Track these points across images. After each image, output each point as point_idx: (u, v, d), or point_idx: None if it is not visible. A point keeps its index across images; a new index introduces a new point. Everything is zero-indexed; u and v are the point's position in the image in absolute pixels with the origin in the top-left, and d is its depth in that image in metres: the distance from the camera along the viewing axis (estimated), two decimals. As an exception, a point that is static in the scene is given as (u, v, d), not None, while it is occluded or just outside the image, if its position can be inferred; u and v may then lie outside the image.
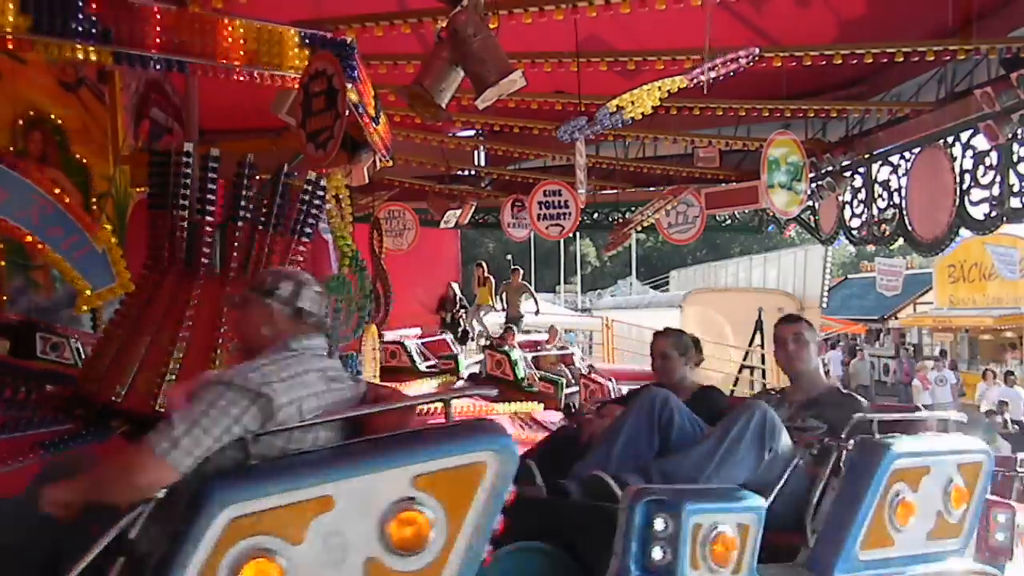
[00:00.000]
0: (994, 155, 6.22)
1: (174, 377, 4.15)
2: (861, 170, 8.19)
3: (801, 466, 2.84)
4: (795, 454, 2.86)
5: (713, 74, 4.59)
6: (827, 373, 19.84)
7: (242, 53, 3.94)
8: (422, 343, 9.73)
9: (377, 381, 5.76)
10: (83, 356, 4.90)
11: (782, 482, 2.72)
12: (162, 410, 3.17)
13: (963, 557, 3.02)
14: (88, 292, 4.52)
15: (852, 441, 2.82)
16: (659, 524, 2.36)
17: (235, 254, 4.37)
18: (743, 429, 2.81)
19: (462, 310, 13.54)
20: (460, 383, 8.28)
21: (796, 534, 2.77)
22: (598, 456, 2.96)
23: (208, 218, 4.32)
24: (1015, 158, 6.05)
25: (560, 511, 2.71)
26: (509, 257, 28.52)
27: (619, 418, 3.09)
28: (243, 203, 4.13)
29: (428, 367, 8.89)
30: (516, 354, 8.36)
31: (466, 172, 10.52)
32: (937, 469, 2.91)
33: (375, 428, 2.12)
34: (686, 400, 3.45)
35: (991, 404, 13.65)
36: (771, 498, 2.64)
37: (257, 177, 4.16)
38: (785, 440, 2.89)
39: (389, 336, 9.40)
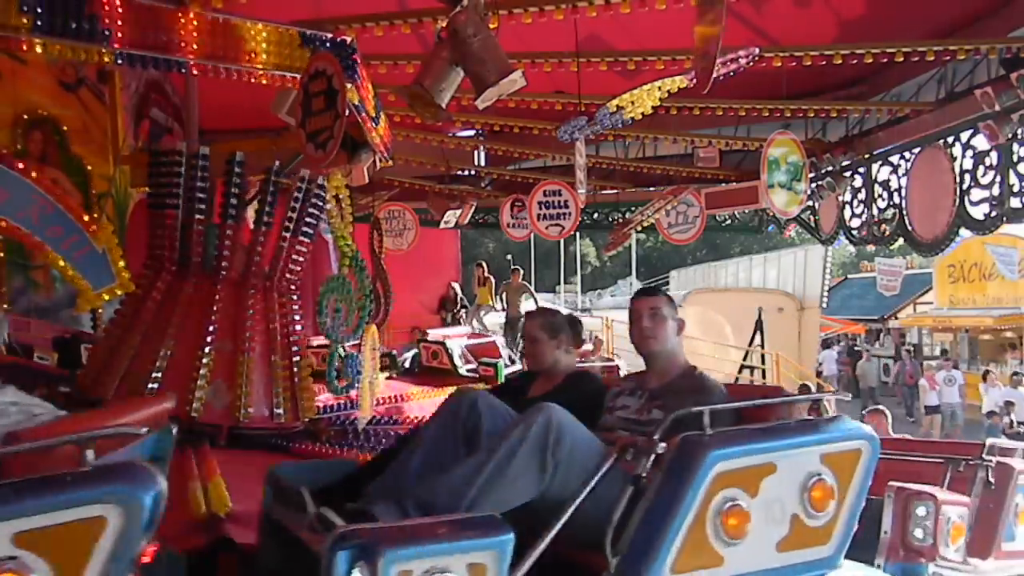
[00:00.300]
0: (994, 155, 6.23)
1: (160, 375, 4.16)
2: (861, 170, 8.20)
3: (617, 472, 2.38)
4: (601, 461, 2.38)
5: (714, 74, 4.59)
6: (821, 373, 19.94)
7: (265, 57, 3.96)
8: (467, 345, 9.17)
9: (380, 381, 5.73)
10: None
11: (581, 497, 2.28)
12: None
13: (839, 565, 2.55)
14: (88, 292, 4.53)
15: (664, 443, 2.32)
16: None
17: (227, 252, 4.37)
18: (517, 442, 2.33)
19: (462, 310, 13.56)
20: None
21: (603, 557, 2.32)
22: (392, 476, 2.49)
23: (199, 216, 4.32)
24: (1015, 158, 6.06)
25: (302, 553, 2.22)
26: (509, 257, 28.51)
27: (422, 428, 2.65)
28: (235, 202, 4.13)
29: (469, 371, 8.30)
30: None
31: (466, 172, 10.52)
32: (787, 465, 2.42)
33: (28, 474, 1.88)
34: (556, 386, 3.12)
35: (993, 405, 13.59)
36: (565, 517, 2.24)
37: (251, 176, 4.17)
38: (582, 447, 2.43)
39: (433, 335, 9.21)
